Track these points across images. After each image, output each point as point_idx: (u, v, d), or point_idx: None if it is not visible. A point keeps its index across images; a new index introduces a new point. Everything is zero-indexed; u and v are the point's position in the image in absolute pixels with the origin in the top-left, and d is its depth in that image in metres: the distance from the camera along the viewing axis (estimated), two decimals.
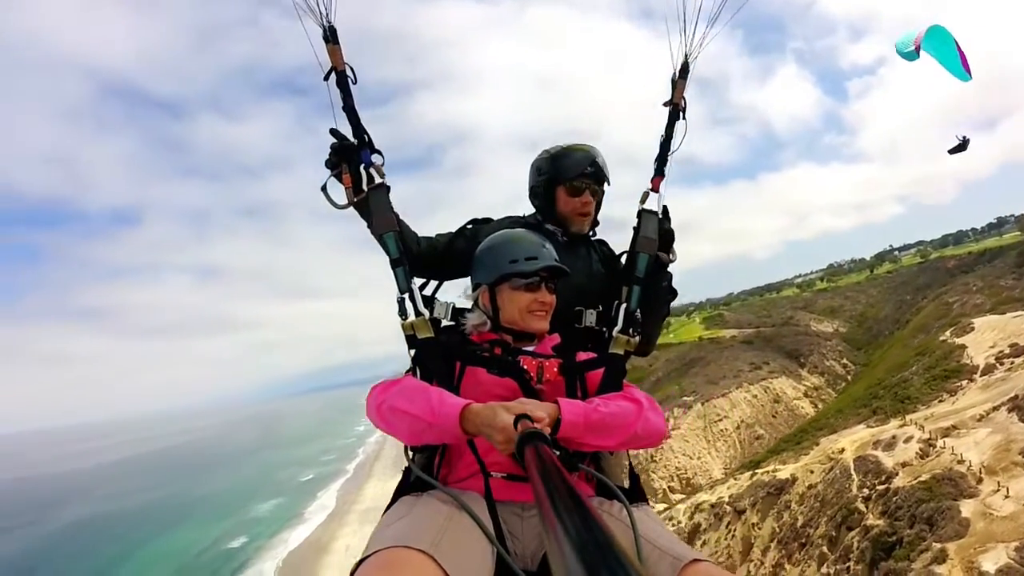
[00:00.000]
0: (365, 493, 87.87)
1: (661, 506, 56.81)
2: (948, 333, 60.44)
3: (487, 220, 3.04)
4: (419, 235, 2.86)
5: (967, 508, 25.78)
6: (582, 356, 2.45)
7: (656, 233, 2.75)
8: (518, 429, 1.63)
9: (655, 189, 2.85)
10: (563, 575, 0.62)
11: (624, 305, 2.65)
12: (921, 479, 29.86)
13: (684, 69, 2.77)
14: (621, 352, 2.53)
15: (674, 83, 2.81)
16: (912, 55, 9.38)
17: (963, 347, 53.63)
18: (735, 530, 41.22)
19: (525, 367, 2.25)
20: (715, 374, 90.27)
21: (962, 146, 11.87)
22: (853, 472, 35.15)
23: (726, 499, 45.28)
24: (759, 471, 47.75)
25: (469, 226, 2.98)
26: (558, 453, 1.76)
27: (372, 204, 2.62)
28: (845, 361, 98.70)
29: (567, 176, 2.81)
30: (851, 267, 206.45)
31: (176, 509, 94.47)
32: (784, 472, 42.66)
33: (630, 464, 2.55)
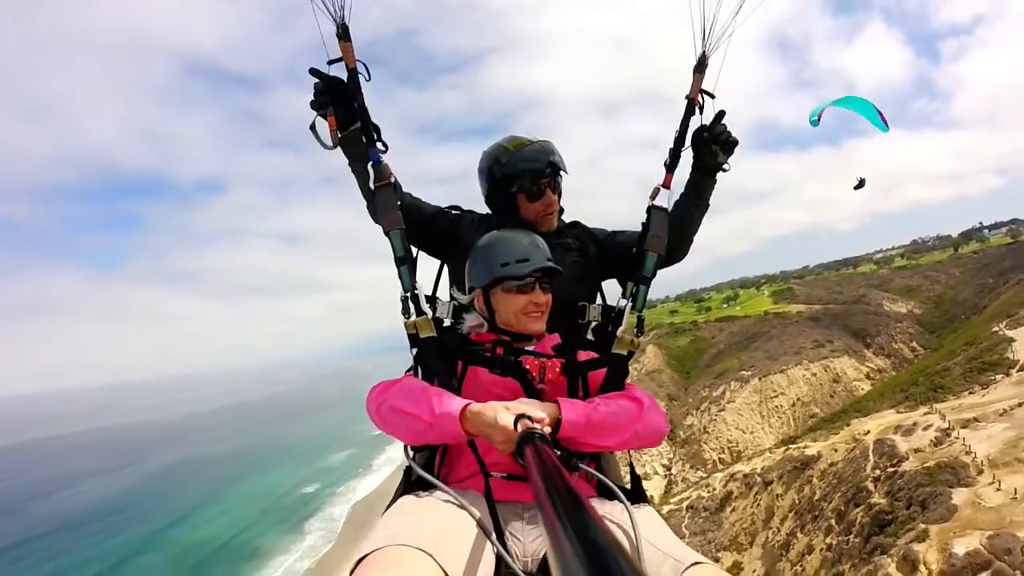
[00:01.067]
0: None
1: (701, 474, 58.89)
2: (1002, 325, 59.48)
3: (470, 212, 3.02)
4: (411, 194, 2.86)
5: (959, 496, 27.11)
6: (584, 356, 2.45)
7: (666, 232, 2.67)
8: (518, 429, 1.67)
9: (666, 185, 2.75)
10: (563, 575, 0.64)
11: (629, 304, 2.60)
12: (927, 465, 31.15)
13: (701, 63, 2.65)
14: (624, 352, 2.47)
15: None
16: (815, 123, 9.98)
17: (1011, 340, 52.84)
18: (760, 500, 43.12)
19: (527, 367, 2.25)
20: (776, 350, 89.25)
21: (860, 185, 13.25)
22: (871, 454, 36.57)
23: (758, 470, 47.16)
24: (792, 447, 49.34)
25: (454, 211, 2.98)
26: (558, 453, 1.88)
27: (379, 202, 2.59)
28: (915, 344, 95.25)
29: (526, 184, 2.74)
30: (935, 244, 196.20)
31: (260, 456, 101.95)
32: (812, 449, 44.18)
33: (631, 464, 2.52)
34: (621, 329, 2.54)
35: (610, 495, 2.10)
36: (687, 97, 2.68)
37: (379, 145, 2.63)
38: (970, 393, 43.33)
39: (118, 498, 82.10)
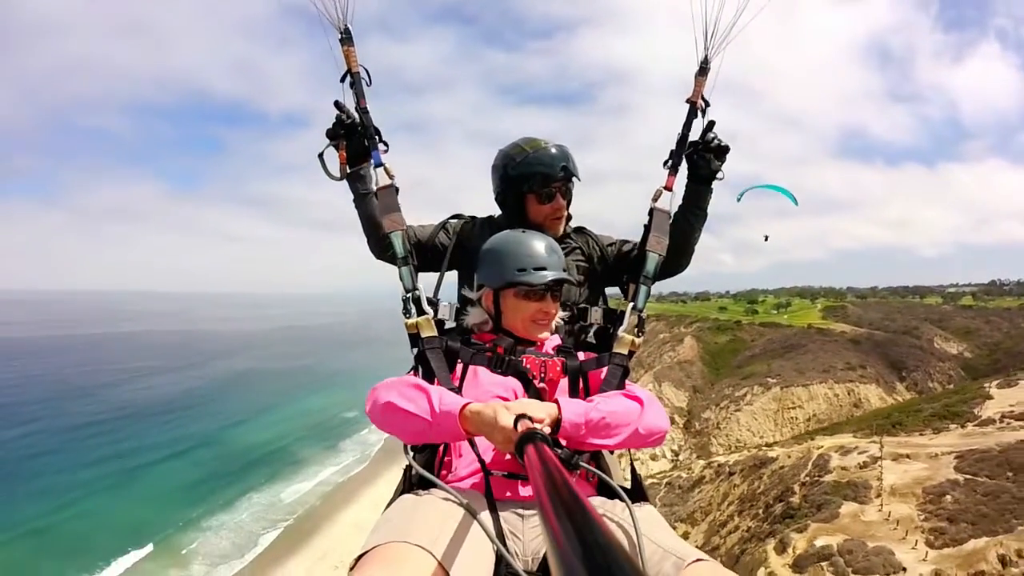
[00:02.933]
0: None
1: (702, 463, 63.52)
2: (995, 383, 61.18)
3: (472, 218, 3.04)
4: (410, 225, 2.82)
5: (847, 508, 32.48)
6: (585, 356, 2.47)
7: (667, 233, 2.71)
8: (518, 429, 1.64)
9: (668, 187, 2.77)
10: (563, 575, 0.62)
11: (631, 304, 2.61)
12: (842, 481, 36.85)
13: (703, 67, 2.69)
14: (625, 352, 2.47)
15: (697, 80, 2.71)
16: (739, 201, 10.97)
17: (989, 398, 54.97)
18: (721, 487, 47.79)
19: (528, 366, 2.28)
20: (806, 364, 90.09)
21: (766, 239, 16.33)
22: (810, 464, 41.93)
23: (730, 463, 51.89)
24: (764, 448, 54.56)
25: (452, 220, 3.00)
26: (559, 452, 1.91)
27: (381, 204, 2.64)
28: (951, 387, 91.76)
29: (537, 185, 2.74)
30: (1013, 289, 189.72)
31: (311, 378, 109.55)
32: (775, 452, 49.20)
33: (632, 463, 2.50)
34: (622, 328, 2.54)
35: (611, 494, 2.11)
36: (688, 100, 2.72)
37: (380, 146, 2.70)
38: (920, 434, 46.98)
39: (184, 396, 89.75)
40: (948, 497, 32.30)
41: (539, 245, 2.40)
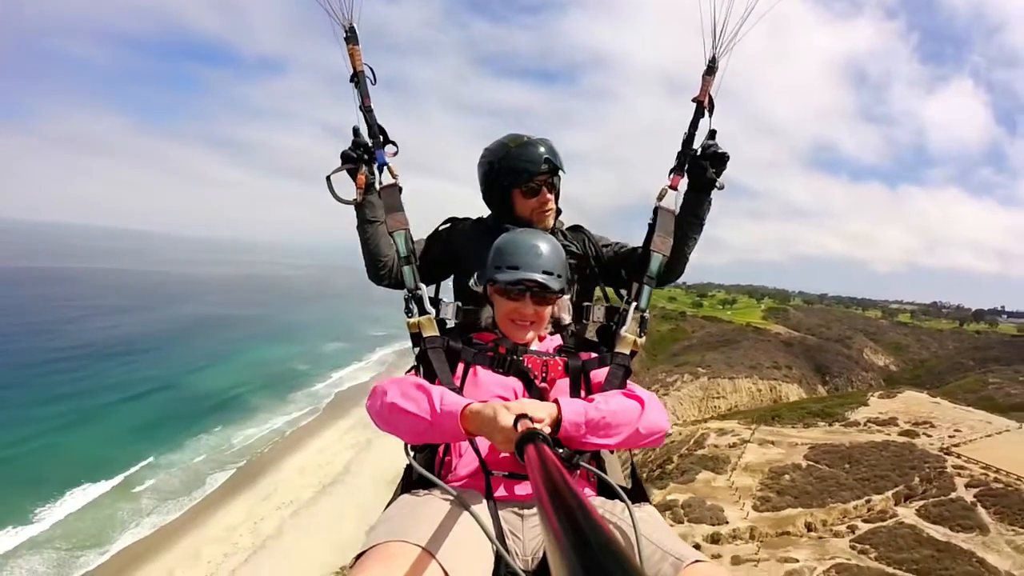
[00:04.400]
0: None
1: None
2: (876, 394, 69.43)
3: (464, 219, 3.02)
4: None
5: (703, 475, 41.33)
6: (586, 355, 2.44)
7: (671, 233, 2.68)
8: (518, 429, 1.62)
9: (673, 187, 2.73)
10: (562, 575, 0.62)
11: (634, 304, 2.58)
12: (710, 455, 45.65)
13: (711, 66, 2.66)
14: (627, 352, 2.46)
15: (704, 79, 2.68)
16: None
17: (865, 404, 63.78)
18: (623, 455, 58.23)
19: (529, 366, 2.27)
20: (736, 359, 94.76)
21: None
22: (693, 440, 50.70)
23: None
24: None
25: (444, 226, 2.97)
26: (559, 452, 1.90)
27: (385, 203, 2.61)
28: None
29: (521, 180, 2.73)
30: (950, 312, 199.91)
31: (271, 328, 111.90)
32: (674, 430, 56.64)
33: (632, 463, 2.48)
34: (625, 328, 2.52)
35: (611, 494, 2.09)
36: (695, 99, 2.70)
37: (389, 148, 2.68)
38: (792, 427, 54.51)
39: (144, 338, 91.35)
40: (787, 476, 40.49)
41: (525, 244, 2.35)
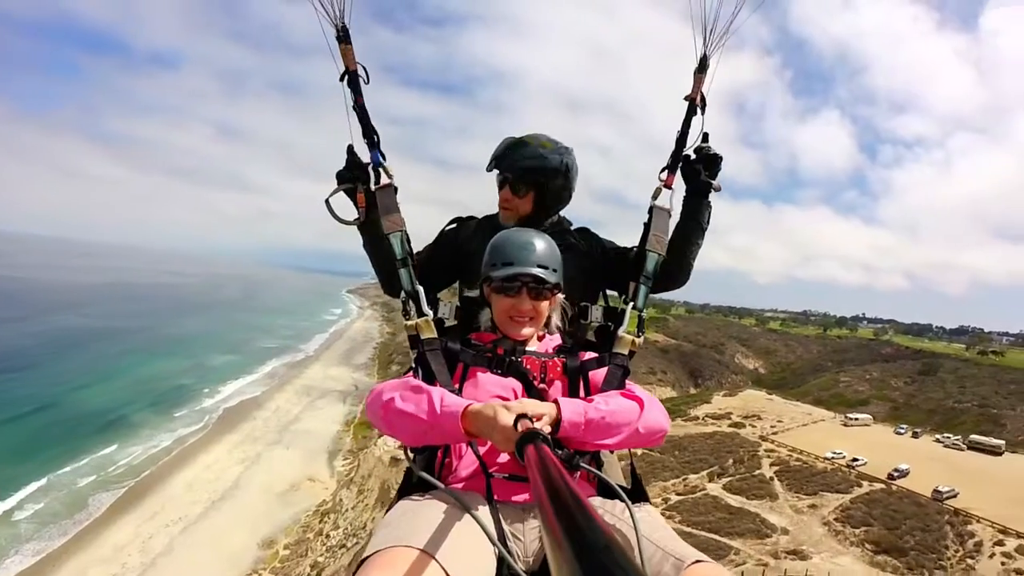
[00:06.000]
0: (308, 372, 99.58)
1: None
2: (721, 393, 79.27)
3: (470, 218, 3.02)
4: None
5: None
6: (585, 356, 2.41)
7: (667, 232, 2.67)
8: (518, 429, 1.62)
9: (668, 185, 2.73)
10: (562, 575, 0.62)
11: (631, 304, 2.58)
12: None
13: (703, 64, 2.66)
14: (625, 352, 2.46)
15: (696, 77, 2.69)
16: None
17: (707, 403, 72.80)
18: None
19: (528, 367, 2.25)
20: None
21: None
22: None
23: None
24: None
25: (450, 227, 2.95)
26: (559, 453, 1.88)
27: (380, 204, 2.58)
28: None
29: (506, 177, 2.77)
30: (817, 320, 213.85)
31: (153, 341, 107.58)
32: None
33: (632, 463, 2.42)
34: (623, 328, 2.52)
35: (611, 494, 2.06)
36: (687, 98, 2.68)
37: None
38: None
39: (16, 353, 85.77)
40: (622, 462, 49.35)
41: (518, 241, 2.34)
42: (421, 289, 2.50)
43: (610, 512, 2.00)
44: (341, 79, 2.54)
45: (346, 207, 2.62)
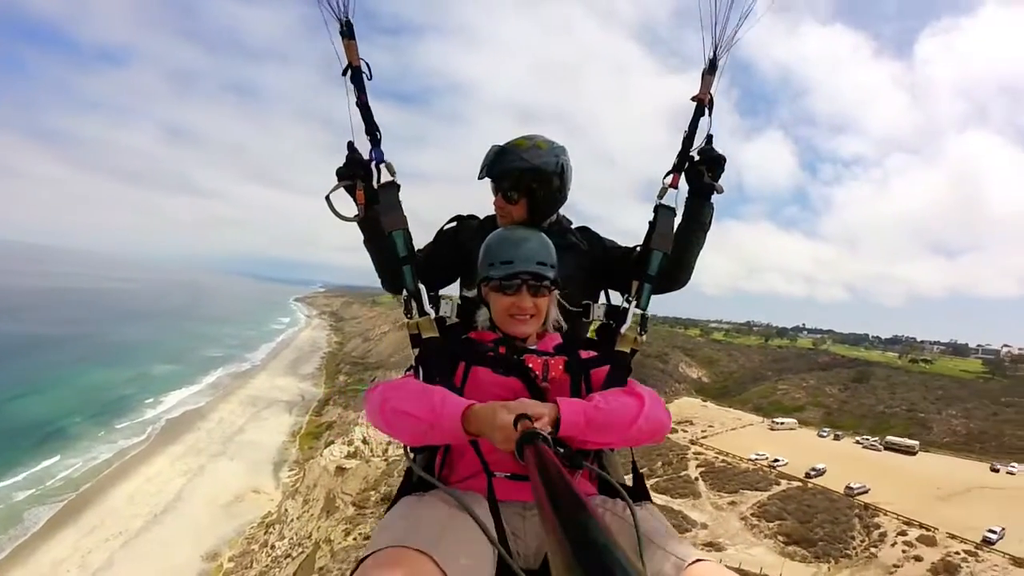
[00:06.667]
0: (253, 382, 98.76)
1: None
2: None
3: (471, 217, 3.00)
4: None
5: None
6: (586, 354, 2.39)
7: (672, 230, 2.61)
8: (518, 429, 1.62)
9: (674, 186, 2.66)
10: (562, 574, 0.62)
11: (634, 303, 2.56)
12: None
13: (712, 64, 2.62)
14: (627, 350, 2.42)
15: (704, 78, 2.64)
16: None
17: None
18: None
19: (530, 366, 2.20)
20: None
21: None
22: None
23: None
24: None
25: (450, 225, 2.93)
26: (560, 452, 1.79)
27: (383, 201, 2.52)
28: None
29: (497, 184, 2.74)
30: (760, 331, 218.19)
31: (96, 349, 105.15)
32: None
33: (633, 461, 2.40)
34: (625, 327, 2.51)
35: (612, 492, 2.09)
36: (695, 98, 2.65)
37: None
38: None
39: None
40: None
41: (514, 239, 2.35)
42: (423, 288, 2.51)
43: (611, 511, 2.02)
44: (344, 74, 2.50)
45: (346, 204, 2.56)
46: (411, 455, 2.23)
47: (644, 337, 2.46)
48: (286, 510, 55.42)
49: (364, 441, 69.07)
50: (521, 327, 2.29)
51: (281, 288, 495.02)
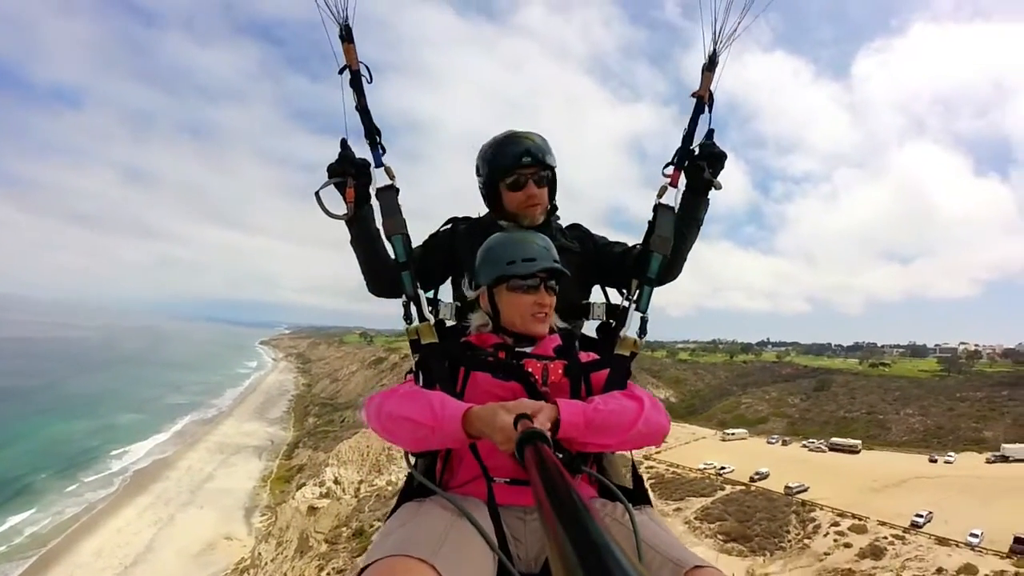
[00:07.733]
0: (220, 429, 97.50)
1: None
2: None
3: (466, 218, 2.96)
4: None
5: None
6: (586, 357, 2.37)
7: (672, 232, 2.58)
8: (518, 429, 1.59)
9: (674, 184, 2.64)
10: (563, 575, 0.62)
11: (634, 306, 2.55)
12: None
13: (712, 61, 2.59)
14: (627, 353, 2.39)
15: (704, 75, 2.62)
16: None
17: None
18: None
19: (530, 370, 2.19)
20: None
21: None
22: None
23: None
24: None
25: (445, 227, 2.91)
26: (560, 455, 1.83)
27: (382, 206, 2.53)
28: None
29: (502, 173, 2.68)
30: (725, 347, 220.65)
31: (51, 401, 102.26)
32: None
33: (633, 465, 2.38)
34: (625, 330, 2.50)
35: (612, 496, 2.06)
36: (695, 95, 2.63)
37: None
38: None
39: None
40: None
41: (529, 239, 2.37)
42: (422, 293, 2.49)
43: (610, 515, 2.01)
44: (340, 72, 2.50)
45: (336, 202, 2.52)
46: (411, 461, 2.24)
47: (643, 340, 2.47)
48: (259, 554, 54.86)
49: (336, 481, 68.61)
50: (541, 326, 2.32)
51: (244, 331, 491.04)
